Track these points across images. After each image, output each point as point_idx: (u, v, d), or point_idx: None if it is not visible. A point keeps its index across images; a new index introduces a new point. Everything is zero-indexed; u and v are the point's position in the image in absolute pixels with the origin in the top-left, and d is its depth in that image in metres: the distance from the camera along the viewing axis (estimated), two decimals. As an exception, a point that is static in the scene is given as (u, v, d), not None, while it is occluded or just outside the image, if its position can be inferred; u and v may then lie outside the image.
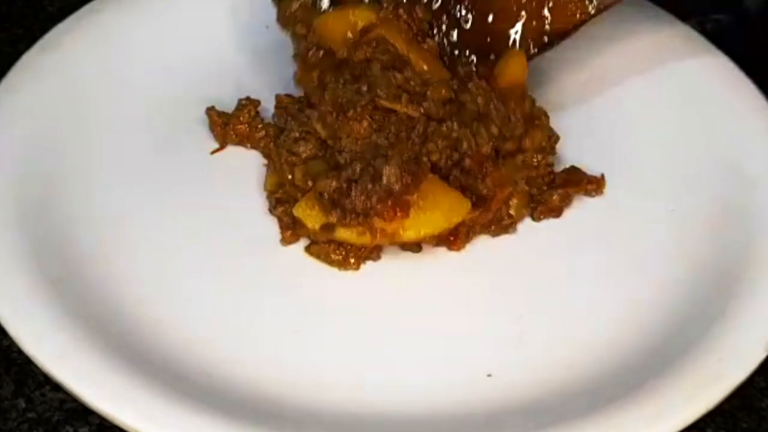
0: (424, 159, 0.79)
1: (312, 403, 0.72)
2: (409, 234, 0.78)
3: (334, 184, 0.77)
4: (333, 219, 0.78)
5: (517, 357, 0.76)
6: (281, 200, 0.82)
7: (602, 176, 0.85)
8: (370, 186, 0.77)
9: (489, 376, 0.75)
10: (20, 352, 0.71)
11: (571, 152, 0.87)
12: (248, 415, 0.69)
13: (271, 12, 0.91)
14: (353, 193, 0.77)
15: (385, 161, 0.77)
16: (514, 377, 0.74)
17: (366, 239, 0.78)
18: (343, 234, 0.78)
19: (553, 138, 0.85)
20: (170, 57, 0.92)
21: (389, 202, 0.77)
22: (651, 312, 0.78)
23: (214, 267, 0.80)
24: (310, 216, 0.78)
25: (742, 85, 0.89)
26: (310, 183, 0.80)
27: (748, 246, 0.79)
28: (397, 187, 0.77)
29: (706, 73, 0.91)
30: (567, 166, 0.86)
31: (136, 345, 0.73)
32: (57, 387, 0.72)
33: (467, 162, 0.79)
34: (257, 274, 0.80)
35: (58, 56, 0.88)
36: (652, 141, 0.89)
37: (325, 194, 0.78)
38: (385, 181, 0.77)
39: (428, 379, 0.74)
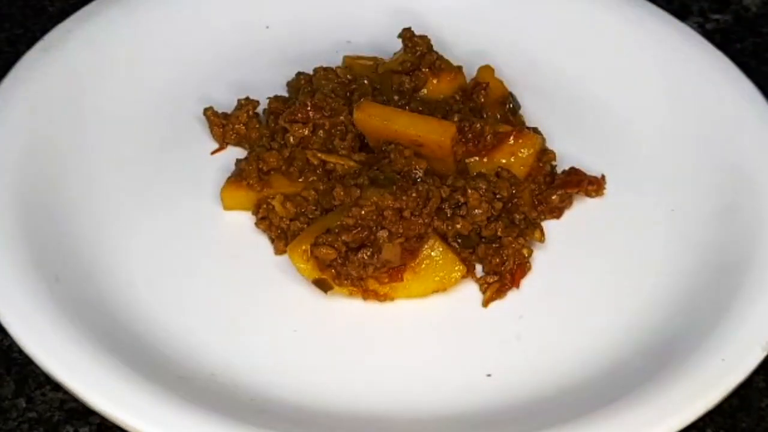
0: (429, 231, 0.79)
1: (311, 403, 0.72)
2: (401, 296, 0.78)
3: (332, 253, 0.77)
4: (326, 276, 0.78)
5: (517, 357, 0.76)
6: (264, 217, 0.82)
7: (602, 177, 0.85)
8: (367, 258, 0.77)
9: (489, 376, 0.75)
10: (21, 351, 0.71)
11: (571, 152, 0.87)
12: (248, 415, 0.69)
13: (272, 13, 0.91)
14: (350, 263, 0.77)
15: (387, 237, 0.77)
16: (514, 377, 0.75)
17: (357, 296, 0.78)
18: (336, 290, 0.78)
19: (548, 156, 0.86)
20: (170, 57, 0.92)
21: (384, 270, 0.77)
22: (651, 312, 0.78)
23: (215, 267, 0.80)
24: (304, 269, 0.78)
25: (742, 85, 0.89)
26: (290, 207, 0.80)
27: (748, 246, 0.79)
28: (395, 263, 0.77)
29: (706, 73, 0.90)
30: (567, 166, 0.86)
31: (136, 345, 0.73)
32: (57, 387, 0.72)
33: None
34: (257, 274, 0.80)
35: (59, 56, 0.88)
36: (652, 141, 0.89)
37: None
38: (384, 256, 0.77)
39: (428, 379, 0.75)
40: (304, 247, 0.78)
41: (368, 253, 0.77)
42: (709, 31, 1.01)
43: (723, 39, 0.99)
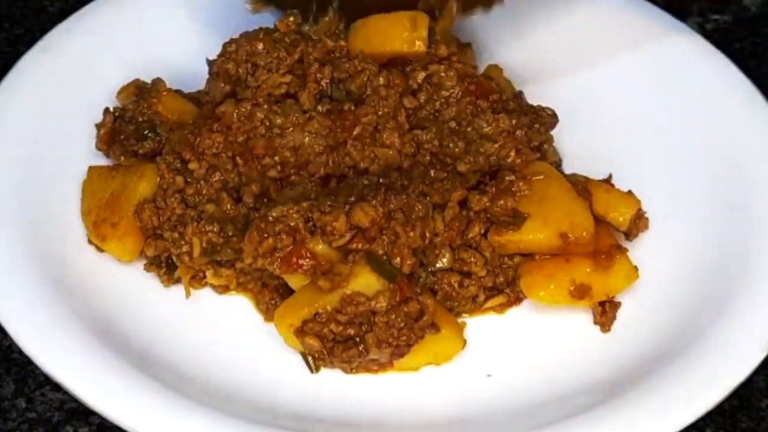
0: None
1: (311, 404, 0.72)
2: (391, 370, 0.75)
3: (318, 346, 0.73)
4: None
5: (517, 357, 0.76)
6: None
7: (610, 176, 0.85)
8: (354, 356, 0.73)
9: (489, 376, 0.75)
10: (20, 352, 0.71)
11: (572, 153, 0.87)
12: (247, 416, 0.69)
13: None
14: (335, 355, 0.73)
15: (375, 340, 0.73)
16: (514, 377, 0.75)
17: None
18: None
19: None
20: (170, 57, 0.91)
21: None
22: (651, 312, 0.78)
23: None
24: (292, 342, 0.74)
25: (742, 85, 0.89)
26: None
27: (748, 246, 0.79)
28: (383, 360, 0.74)
29: (706, 73, 0.90)
30: (567, 166, 0.86)
31: (136, 345, 0.73)
32: (57, 387, 0.72)
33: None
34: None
35: (59, 57, 0.88)
36: (651, 141, 0.89)
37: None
38: (371, 355, 0.73)
39: (428, 379, 0.75)
40: (290, 322, 0.73)
41: (355, 352, 0.73)
42: (709, 31, 1.01)
43: (723, 39, 0.99)
